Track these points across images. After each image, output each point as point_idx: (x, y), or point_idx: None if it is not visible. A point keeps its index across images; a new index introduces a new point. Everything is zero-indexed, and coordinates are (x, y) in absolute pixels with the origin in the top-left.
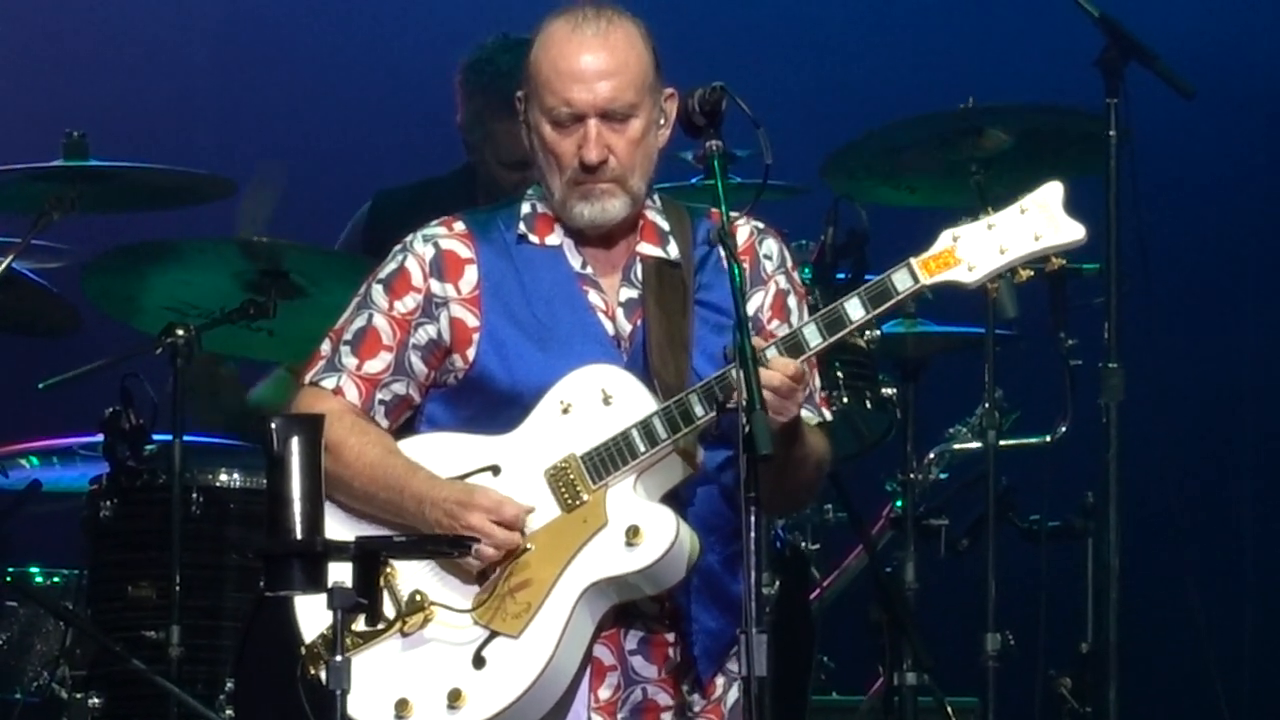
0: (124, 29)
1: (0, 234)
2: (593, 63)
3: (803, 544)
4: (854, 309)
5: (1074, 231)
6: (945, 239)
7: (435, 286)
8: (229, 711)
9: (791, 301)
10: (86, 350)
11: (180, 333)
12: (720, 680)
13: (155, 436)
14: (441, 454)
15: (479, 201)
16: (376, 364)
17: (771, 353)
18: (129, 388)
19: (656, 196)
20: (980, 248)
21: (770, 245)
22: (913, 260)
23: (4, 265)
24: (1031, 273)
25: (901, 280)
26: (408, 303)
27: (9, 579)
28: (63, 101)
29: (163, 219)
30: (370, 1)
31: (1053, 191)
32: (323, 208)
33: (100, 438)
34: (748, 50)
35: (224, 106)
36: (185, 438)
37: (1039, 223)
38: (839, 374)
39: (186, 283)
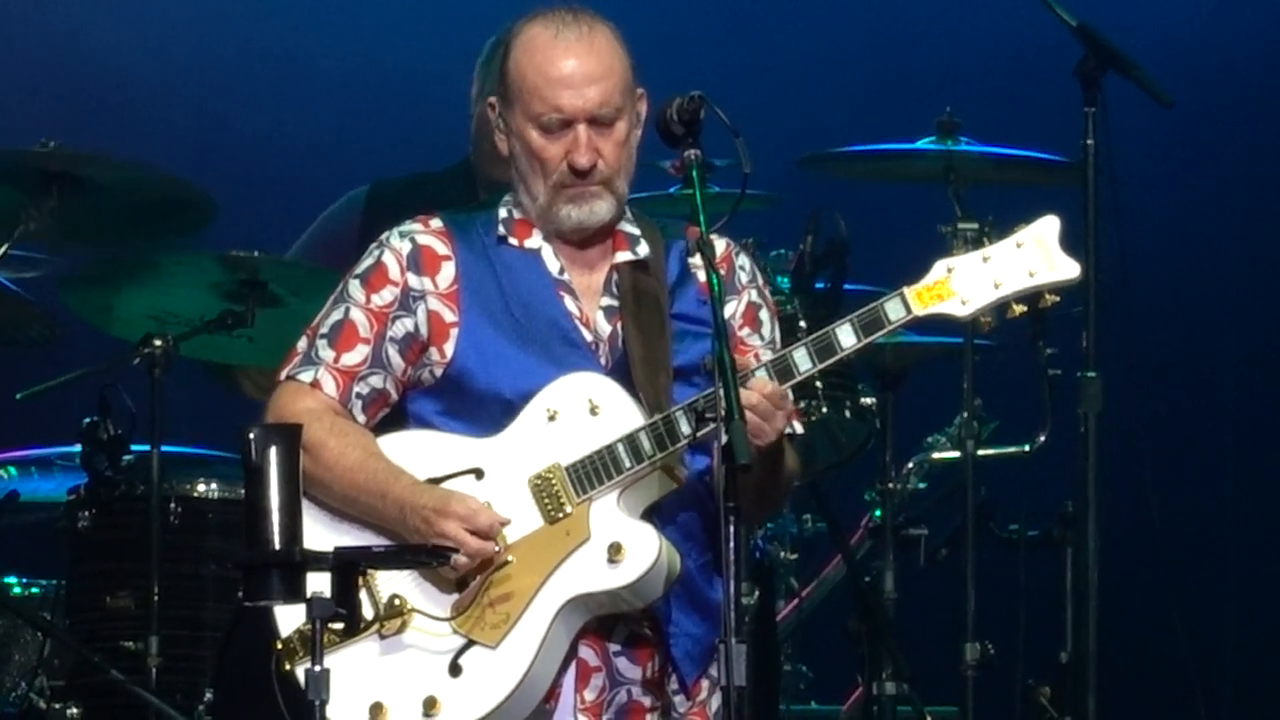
0: (103, 33)
1: None
2: (580, 68)
3: (781, 554)
4: (845, 336)
5: (1069, 269)
6: (939, 270)
7: (413, 280)
8: None
9: (764, 315)
10: (64, 360)
11: (158, 343)
12: (705, 683)
13: (133, 447)
14: (424, 453)
15: (480, 193)
16: (354, 356)
17: (761, 374)
18: (107, 398)
19: (627, 207)
20: (975, 281)
21: (745, 260)
22: (906, 290)
23: None
24: (1025, 308)
25: (894, 310)
26: (385, 296)
27: None
28: (40, 109)
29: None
30: (356, 6)
31: (1049, 226)
32: (305, 216)
33: (78, 448)
34: (726, 59)
35: (204, 114)
36: (163, 448)
37: (1034, 258)
38: (818, 384)
39: (165, 294)
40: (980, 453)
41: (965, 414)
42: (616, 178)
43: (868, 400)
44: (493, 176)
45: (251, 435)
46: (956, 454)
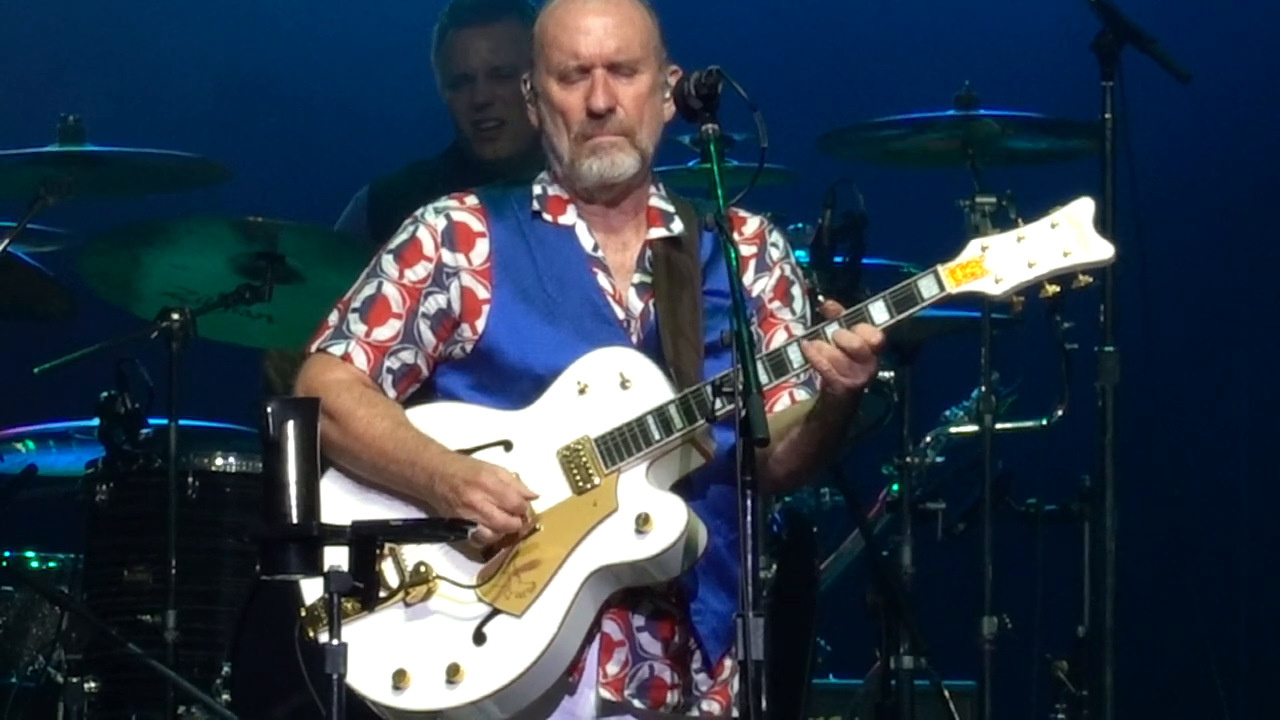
0: (119, 13)
1: None
2: (599, 20)
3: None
4: (878, 312)
5: (1103, 250)
6: (974, 248)
7: (447, 256)
8: (225, 695)
9: (795, 290)
10: (82, 334)
11: (176, 317)
12: (729, 662)
13: (151, 420)
14: (453, 425)
15: (471, 178)
16: (385, 331)
17: (832, 328)
18: (125, 372)
19: (661, 185)
20: (1009, 260)
21: (778, 238)
22: (940, 267)
23: (0, 249)
24: (1058, 288)
25: (928, 287)
26: (418, 271)
27: (5, 563)
28: (58, 86)
29: (157, 203)
30: None
31: (1084, 207)
32: (317, 191)
33: (96, 422)
34: (744, 33)
35: (219, 89)
36: (181, 422)
37: (1069, 238)
38: None
39: (182, 267)
40: (998, 427)
41: (983, 388)
42: (638, 130)
43: (885, 374)
44: (483, 156)
45: (269, 409)
46: (974, 428)
